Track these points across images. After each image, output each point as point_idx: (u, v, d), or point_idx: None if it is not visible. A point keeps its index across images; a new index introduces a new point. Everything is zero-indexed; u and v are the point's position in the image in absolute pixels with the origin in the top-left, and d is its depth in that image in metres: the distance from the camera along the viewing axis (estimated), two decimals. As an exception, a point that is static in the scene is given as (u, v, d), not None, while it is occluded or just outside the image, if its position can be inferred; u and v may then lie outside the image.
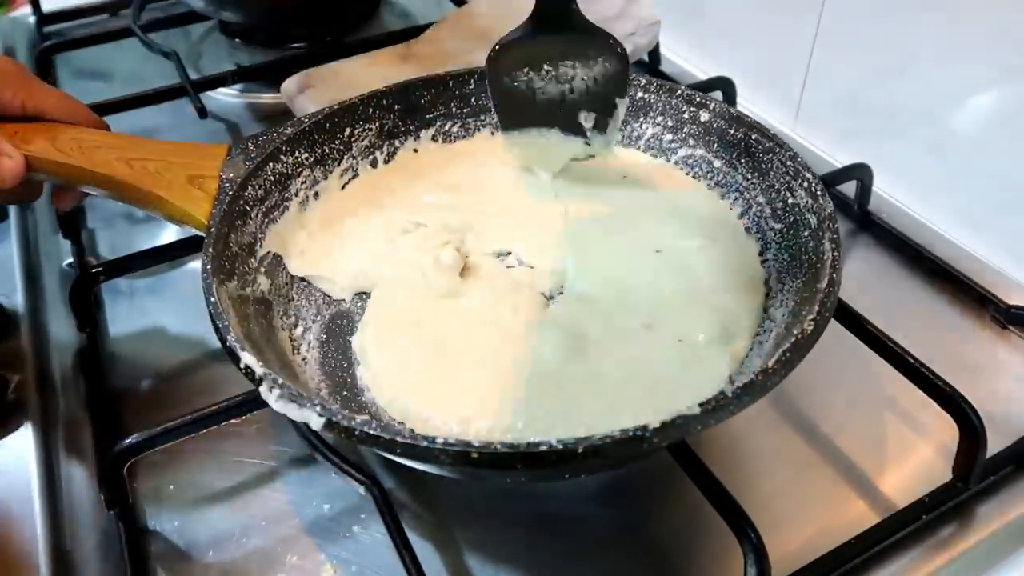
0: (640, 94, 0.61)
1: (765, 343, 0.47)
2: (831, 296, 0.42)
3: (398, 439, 0.35)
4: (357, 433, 0.36)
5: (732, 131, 0.57)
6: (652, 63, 0.88)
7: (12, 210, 0.71)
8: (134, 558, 0.45)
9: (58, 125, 0.53)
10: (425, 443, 0.35)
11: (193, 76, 0.82)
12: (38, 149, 0.51)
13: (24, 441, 0.51)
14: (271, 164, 0.55)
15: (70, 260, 0.67)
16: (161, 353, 0.59)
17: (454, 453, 0.34)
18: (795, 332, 0.40)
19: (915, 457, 0.50)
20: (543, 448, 0.34)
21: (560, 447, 0.34)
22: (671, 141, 0.61)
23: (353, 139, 0.60)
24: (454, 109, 0.64)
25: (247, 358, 0.40)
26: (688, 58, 0.92)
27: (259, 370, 0.39)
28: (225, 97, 0.87)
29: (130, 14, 0.94)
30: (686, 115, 0.60)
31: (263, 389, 0.38)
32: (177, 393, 0.56)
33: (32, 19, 1.03)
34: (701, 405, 0.36)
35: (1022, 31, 0.57)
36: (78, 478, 0.50)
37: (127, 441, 0.46)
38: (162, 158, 0.52)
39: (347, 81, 0.76)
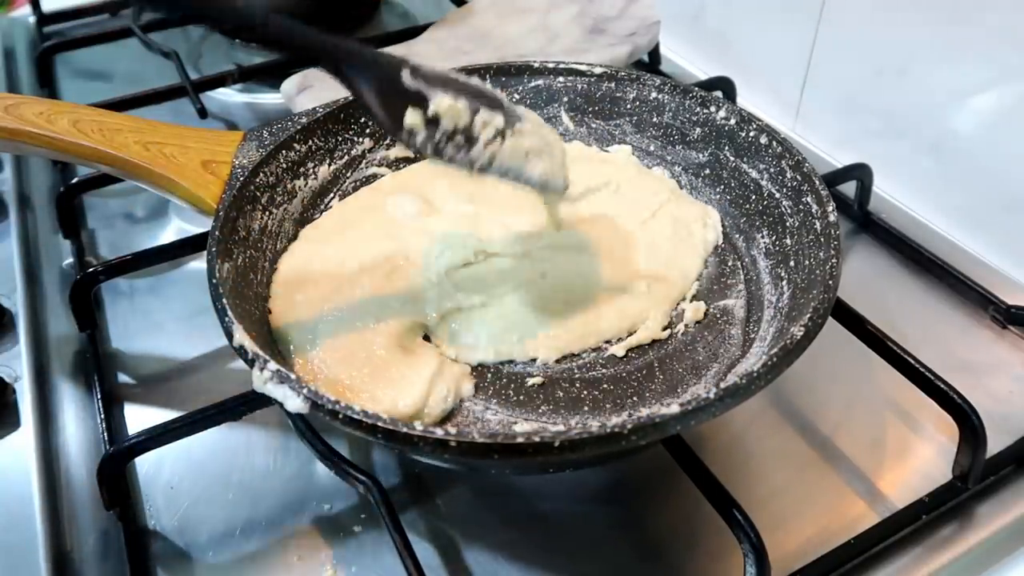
0: (654, 94, 0.61)
1: (767, 337, 0.47)
2: (824, 304, 0.42)
3: (379, 424, 0.35)
4: (340, 416, 0.36)
5: (743, 133, 0.57)
6: (652, 63, 0.88)
7: (12, 210, 0.71)
8: (134, 558, 0.45)
9: (80, 107, 0.53)
10: (405, 429, 0.35)
11: (193, 76, 0.82)
12: (61, 130, 0.51)
13: (24, 441, 0.51)
14: (284, 152, 0.55)
15: (70, 260, 0.67)
16: (161, 353, 0.59)
17: (433, 441, 0.35)
18: (785, 337, 0.40)
19: (915, 457, 0.50)
20: (519, 440, 0.34)
21: (536, 439, 0.34)
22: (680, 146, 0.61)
23: (367, 130, 0.61)
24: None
25: (241, 338, 0.40)
26: (688, 58, 0.92)
27: (251, 350, 0.39)
28: (225, 97, 0.87)
29: (130, 14, 0.95)
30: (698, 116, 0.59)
31: (254, 370, 0.39)
32: (177, 393, 0.56)
33: (32, 19, 1.03)
34: (681, 405, 0.36)
35: (1022, 31, 0.57)
36: (78, 478, 0.50)
37: (127, 441, 0.46)
38: (179, 142, 0.53)
39: (347, 81, 0.76)
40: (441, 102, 0.41)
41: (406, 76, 0.41)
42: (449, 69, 0.45)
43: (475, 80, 0.45)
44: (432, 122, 0.41)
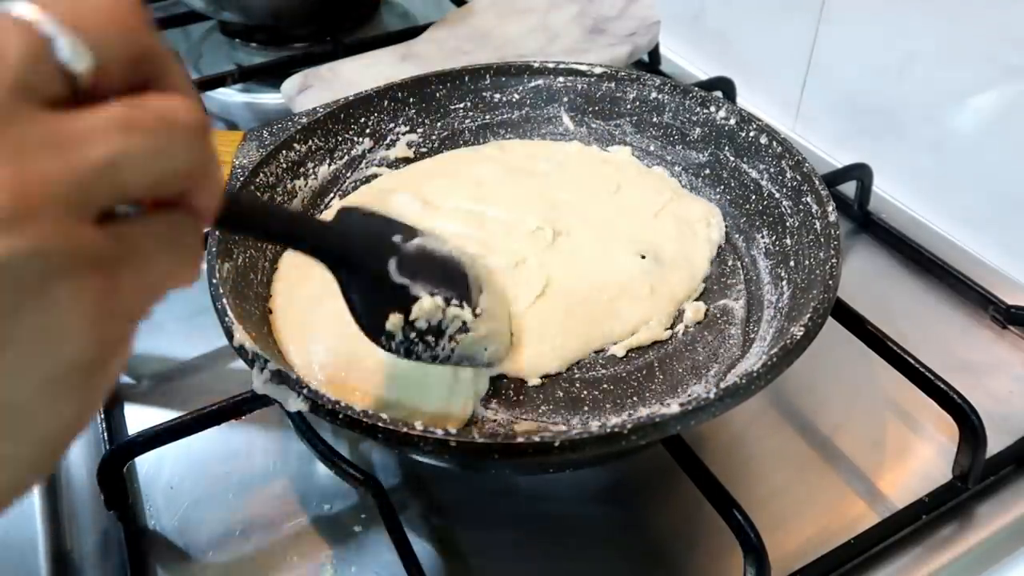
0: (654, 94, 0.61)
1: (767, 337, 0.47)
2: (824, 304, 0.42)
3: (379, 424, 0.35)
4: (340, 417, 0.36)
5: (743, 133, 0.56)
6: (652, 63, 0.88)
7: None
8: (134, 558, 0.45)
9: None
10: (405, 429, 0.35)
11: (193, 76, 0.82)
12: None
13: (24, 441, 0.51)
14: (284, 152, 0.55)
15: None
16: (161, 353, 0.59)
17: (433, 440, 0.35)
18: (785, 337, 0.40)
19: (915, 457, 0.50)
20: (520, 440, 0.34)
21: (536, 439, 0.34)
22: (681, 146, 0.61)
23: (367, 130, 0.61)
24: (468, 104, 0.64)
25: (241, 338, 0.40)
26: (688, 58, 0.92)
27: (251, 350, 0.39)
28: (225, 97, 0.87)
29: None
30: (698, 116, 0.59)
31: (254, 370, 0.39)
32: (177, 393, 0.56)
33: (32, 19, 1.03)
34: (681, 405, 0.36)
35: (1022, 31, 0.57)
36: (78, 478, 0.50)
37: (127, 440, 0.46)
38: None
39: (347, 81, 0.76)
40: (423, 305, 0.40)
41: (393, 269, 0.39)
42: (428, 237, 0.42)
43: (448, 249, 0.43)
44: (410, 323, 0.40)
